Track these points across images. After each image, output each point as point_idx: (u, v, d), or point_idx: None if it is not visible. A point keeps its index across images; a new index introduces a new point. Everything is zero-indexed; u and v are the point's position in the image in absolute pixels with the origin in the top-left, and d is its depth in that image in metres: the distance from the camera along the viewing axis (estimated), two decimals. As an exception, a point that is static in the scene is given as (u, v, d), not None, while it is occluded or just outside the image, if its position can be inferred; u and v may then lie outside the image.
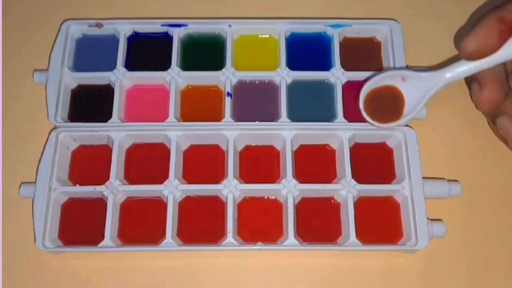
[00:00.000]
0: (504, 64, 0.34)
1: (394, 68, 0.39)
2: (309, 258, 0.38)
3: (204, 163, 0.40)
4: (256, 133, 0.40)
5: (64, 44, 0.42)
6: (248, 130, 0.40)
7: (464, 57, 0.32)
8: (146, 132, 0.40)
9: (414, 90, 0.36)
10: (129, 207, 0.39)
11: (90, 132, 0.40)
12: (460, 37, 0.33)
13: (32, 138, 0.41)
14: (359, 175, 0.38)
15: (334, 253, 0.38)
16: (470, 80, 0.36)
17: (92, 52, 0.43)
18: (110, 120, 0.40)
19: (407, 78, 0.35)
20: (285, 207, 0.38)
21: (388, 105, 0.37)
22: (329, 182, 0.39)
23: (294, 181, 0.38)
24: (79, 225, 0.38)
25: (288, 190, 0.38)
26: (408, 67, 0.41)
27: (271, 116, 0.40)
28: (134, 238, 0.38)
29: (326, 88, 0.41)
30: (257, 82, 0.42)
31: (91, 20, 0.43)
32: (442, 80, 0.34)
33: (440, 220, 0.38)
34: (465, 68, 0.33)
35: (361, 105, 0.38)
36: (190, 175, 0.39)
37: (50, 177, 0.38)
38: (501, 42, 0.32)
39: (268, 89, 0.41)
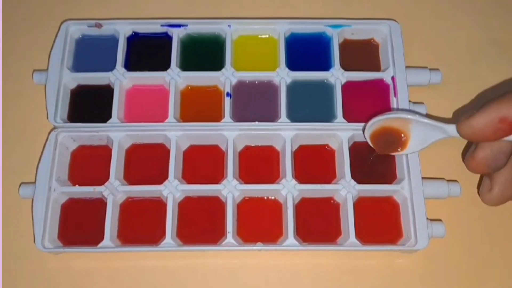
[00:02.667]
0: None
1: (403, 110, 0.39)
2: (309, 258, 0.38)
3: (203, 163, 0.40)
4: (256, 133, 0.40)
5: (63, 44, 0.42)
6: (247, 131, 0.40)
7: (460, 135, 0.34)
8: (146, 132, 0.40)
9: (420, 133, 0.36)
10: (129, 207, 0.39)
11: (89, 133, 0.40)
12: (461, 113, 0.34)
13: (32, 138, 0.41)
14: (358, 175, 0.38)
15: (334, 253, 0.38)
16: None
17: (91, 52, 0.43)
18: (110, 121, 0.40)
19: (414, 123, 0.36)
20: (284, 207, 0.38)
21: (392, 142, 0.38)
22: (329, 182, 0.39)
23: (294, 181, 0.38)
24: (79, 225, 0.38)
25: (288, 190, 0.38)
26: (408, 67, 0.41)
27: (271, 116, 0.40)
28: (134, 239, 0.38)
29: (325, 88, 0.41)
30: (256, 82, 0.42)
31: (90, 20, 0.43)
32: (446, 134, 0.35)
33: (440, 220, 0.38)
34: None
35: (367, 135, 0.38)
36: (189, 176, 0.39)
37: (50, 178, 0.38)
38: (496, 138, 0.33)
39: (268, 89, 0.41)
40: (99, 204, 0.38)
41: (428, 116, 0.38)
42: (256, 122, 0.40)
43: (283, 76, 0.41)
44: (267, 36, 0.43)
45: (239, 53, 0.43)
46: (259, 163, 0.40)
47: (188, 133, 0.40)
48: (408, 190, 0.38)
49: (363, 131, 0.39)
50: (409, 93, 0.40)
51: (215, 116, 0.40)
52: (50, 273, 0.38)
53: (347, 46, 0.43)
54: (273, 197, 0.39)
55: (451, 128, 0.35)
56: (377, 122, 0.37)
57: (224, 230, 0.37)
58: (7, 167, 0.41)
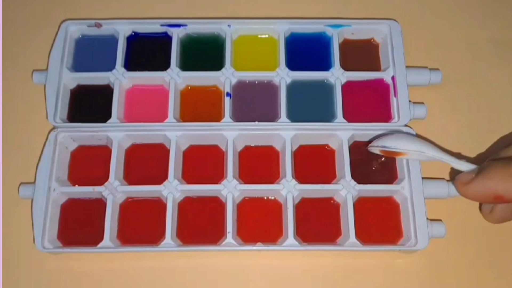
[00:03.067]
0: None
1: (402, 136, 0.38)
2: (309, 259, 0.38)
3: (203, 163, 0.40)
4: (256, 133, 0.40)
5: (63, 44, 0.42)
6: (247, 131, 0.40)
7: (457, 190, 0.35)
8: (146, 132, 0.40)
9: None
10: (129, 207, 0.39)
11: (89, 133, 0.40)
12: (461, 175, 0.35)
13: (32, 139, 0.41)
14: (358, 176, 0.38)
15: (333, 253, 0.38)
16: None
17: (91, 52, 0.43)
18: (110, 121, 0.40)
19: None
20: (284, 207, 0.38)
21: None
22: (329, 182, 0.39)
23: (294, 181, 0.38)
24: (79, 225, 0.38)
25: (288, 190, 0.38)
26: (408, 67, 0.41)
27: (271, 116, 0.40)
28: (133, 239, 0.38)
29: (325, 88, 0.41)
30: (256, 82, 0.42)
31: (90, 20, 0.43)
32: (443, 161, 0.36)
33: (440, 220, 0.38)
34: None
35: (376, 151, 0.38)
36: (189, 176, 0.39)
37: (50, 178, 0.38)
38: (489, 204, 0.36)
39: (268, 89, 0.41)
40: (99, 204, 0.38)
41: (419, 136, 0.39)
42: (256, 122, 0.40)
43: (283, 76, 0.41)
44: (267, 36, 0.43)
45: (239, 53, 0.43)
46: (259, 163, 0.40)
47: (188, 133, 0.40)
48: (408, 190, 0.38)
49: (366, 146, 0.39)
50: (409, 93, 0.40)
51: (215, 116, 0.40)
52: (50, 273, 0.38)
53: (347, 46, 0.43)
54: (273, 197, 0.39)
55: (451, 162, 0.36)
56: (377, 147, 0.37)
57: (224, 230, 0.37)
58: (6, 167, 0.41)
